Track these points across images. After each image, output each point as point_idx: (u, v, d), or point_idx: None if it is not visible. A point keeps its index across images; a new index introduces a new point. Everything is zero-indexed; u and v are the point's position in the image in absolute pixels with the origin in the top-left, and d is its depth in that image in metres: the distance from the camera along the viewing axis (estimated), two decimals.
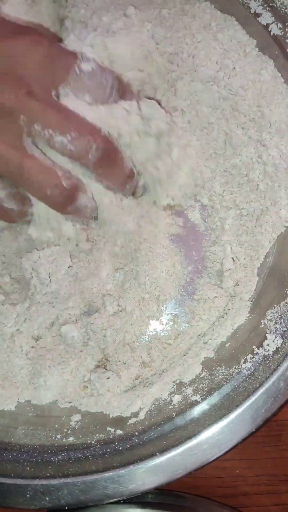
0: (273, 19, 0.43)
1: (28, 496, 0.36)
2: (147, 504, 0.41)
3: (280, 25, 0.43)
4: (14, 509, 0.37)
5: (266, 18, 0.43)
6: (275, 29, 0.43)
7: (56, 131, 0.34)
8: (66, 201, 0.36)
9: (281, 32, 0.43)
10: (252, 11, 0.43)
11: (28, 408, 0.41)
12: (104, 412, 0.40)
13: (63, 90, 0.35)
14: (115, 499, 0.36)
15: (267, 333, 0.39)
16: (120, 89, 0.38)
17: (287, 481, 0.45)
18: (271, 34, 0.43)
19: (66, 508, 0.36)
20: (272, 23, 0.43)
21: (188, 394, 0.39)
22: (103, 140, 0.35)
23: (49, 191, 0.35)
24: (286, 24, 0.43)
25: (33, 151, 0.34)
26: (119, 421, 0.40)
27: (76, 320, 0.42)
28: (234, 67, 0.42)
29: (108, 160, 0.36)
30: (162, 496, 0.43)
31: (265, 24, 0.43)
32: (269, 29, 0.43)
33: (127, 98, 0.38)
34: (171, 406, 0.39)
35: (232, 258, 0.42)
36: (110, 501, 0.37)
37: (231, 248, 0.42)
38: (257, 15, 0.43)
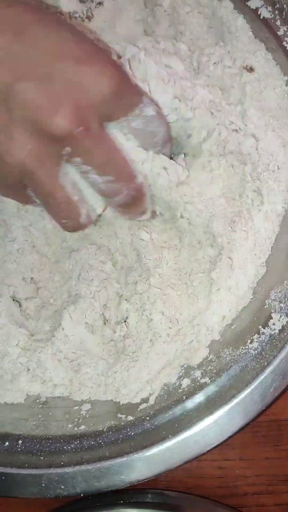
0: (262, 2, 0.43)
1: (43, 485, 0.36)
2: (147, 504, 0.41)
3: (269, 8, 0.43)
4: (30, 499, 0.37)
5: (255, 1, 0.43)
6: (264, 12, 0.43)
7: (94, 170, 0.33)
8: (74, 230, 0.37)
9: (271, 15, 0.43)
10: None
11: (37, 400, 0.41)
12: (114, 400, 0.41)
13: (115, 125, 0.34)
14: (130, 484, 0.37)
15: (272, 312, 0.39)
16: (165, 141, 0.37)
17: (287, 481, 0.45)
18: (261, 17, 0.43)
19: (82, 495, 0.37)
20: (261, 7, 0.43)
21: (197, 377, 0.39)
22: (135, 188, 0.36)
23: (64, 221, 0.36)
24: (276, 6, 0.43)
25: (65, 181, 0.34)
26: (130, 408, 0.40)
27: None
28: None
29: (132, 204, 0.37)
30: (162, 496, 0.43)
31: (254, 8, 0.43)
32: (258, 13, 0.43)
33: (165, 152, 0.38)
34: (180, 390, 0.39)
35: None
36: (125, 486, 0.37)
37: None
38: None
